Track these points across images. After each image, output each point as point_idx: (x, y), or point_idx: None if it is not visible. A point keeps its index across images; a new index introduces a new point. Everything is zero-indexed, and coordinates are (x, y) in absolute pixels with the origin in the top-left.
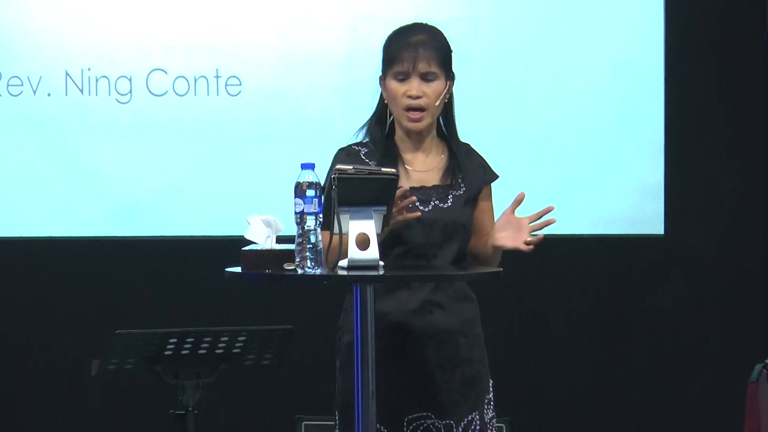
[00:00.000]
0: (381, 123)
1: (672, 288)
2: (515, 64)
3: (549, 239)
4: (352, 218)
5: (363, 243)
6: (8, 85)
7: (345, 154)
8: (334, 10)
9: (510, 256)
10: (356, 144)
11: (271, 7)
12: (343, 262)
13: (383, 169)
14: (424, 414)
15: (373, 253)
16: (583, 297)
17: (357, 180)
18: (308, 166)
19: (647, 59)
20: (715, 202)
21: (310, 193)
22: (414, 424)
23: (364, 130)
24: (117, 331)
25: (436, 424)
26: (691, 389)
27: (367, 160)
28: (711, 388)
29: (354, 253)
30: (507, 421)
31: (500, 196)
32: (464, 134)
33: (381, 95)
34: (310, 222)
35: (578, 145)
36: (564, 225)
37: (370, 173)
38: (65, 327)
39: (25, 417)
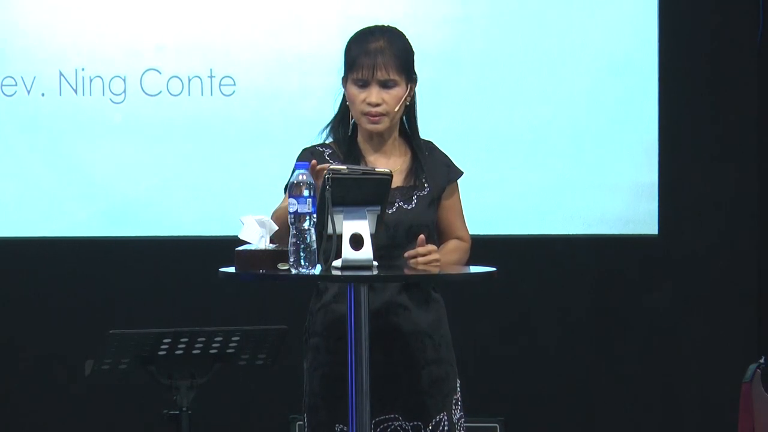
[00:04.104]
0: (344, 124)
1: (666, 288)
2: (509, 63)
3: (543, 239)
4: (345, 218)
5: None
6: (2, 85)
7: (309, 153)
8: (326, 9)
9: (503, 255)
10: (320, 145)
11: (265, 7)
12: (337, 262)
13: (377, 169)
14: (392, 416)
15: (366, 253)
16: (577, 297)
17: (350, 180)
18: (302, 166)
19: (641, 59)
20: (708, 202)
21: (305, 193)
22: (382, 426)
23: (327, 131)
24: (111, 331)
25: (404, 425)
26: (685, 389)
27: (330, 161)
28: (705, 388)
29: (348, 253)
30: (500, 422)
31: (494, 195)
32: (457, 134)
33: (343, 96)
34: (305, 222)
35: (572, 144)
36: (558, 225)
37: (363, 173)
38: (58, 327)
39: (19, 417)
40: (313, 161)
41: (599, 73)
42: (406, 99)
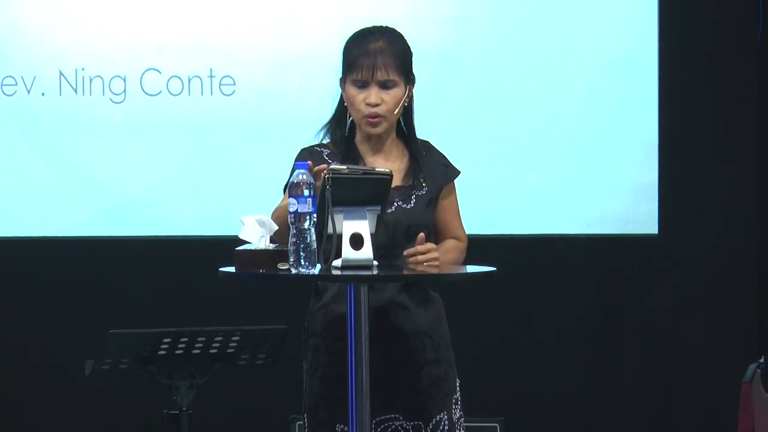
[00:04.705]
0: (341, 124)
1: (666, 288)
2: (509, 63)
3: (543, 239)
4: (346, 218)
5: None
6: (2, 85)
7: (308, 153)
8: (326, 9)
9: (503, 255)
10: (318, 145)
11: (265, 7)
12: (337, 262)
13: (377, 169)
14: (392, 416)
15: (366, 252)
16: (577, 297)
17: (350, 180)
18: (302, 166)
19: (641, 59)
20: (708, 202)
21: (305, 193)
22: (382, 426)
23: (324, 131)
24: (111, 331)
25: (405, 425)
26: (685, 389)
27: (329, 161)
28: (705, 388)
29: (348, 253)
30: (500, 422)
31: (494, 195)
32: (457, 134)
33: (341, 96)
34: (305, 222)
35: (572, 144)
36: (558, 225)
37: (363, 173)
38: (58, 327)
39: (19, 416)
40: (309, 162)
41: (599, 73)
42: (404, 101)
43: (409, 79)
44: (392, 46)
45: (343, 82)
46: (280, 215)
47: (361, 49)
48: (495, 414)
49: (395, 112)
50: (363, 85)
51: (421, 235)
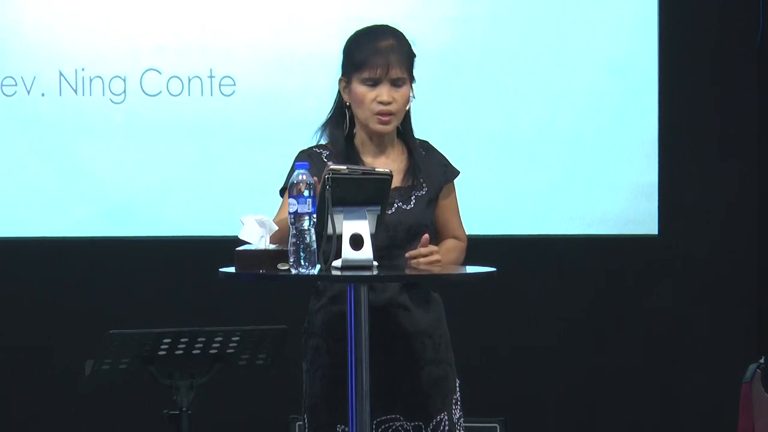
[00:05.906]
0: (340, 124)
1: (666, 288)
2: (509, 64)
3: (543, 239)
4: (345, 218)
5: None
6: (2, 86)
7: (306, 155)
8: (326, 10)
9: (503, 255)
10: (317, 146)
11: (265, 7)
12: (337, 262)
13: (377, 169)
14: (393, 416)
15: (366, 253)
16: (577, 297)
17: (351, 180)
18: (302, 166)
19: (641, 59)
20: (708, 202)
21: (305, 193)
22: (383, 427)
23: (321, 132)
24: (111, 331)
25: (405, 425)
26: (685, 389)
27: (329, 163)
28: (705, 387)
29: (348, 253)
30: (501, 422)
31: (494, 195)
32: (457, 134)
33: (339, 96)
34: (305, 222)
35: (572, 145)
36: (558, 225)
37: (363, 173)
38: (58, 327)
39: (19, 416)
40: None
41: (599, 73)
42: (409, 99)
43: (412, 78)
44: (402, 44)
45: (344, 81)
46: (281, 228)
47: (371, 47)
48: (495, 414)
49: (405, 109)
50: (374, 83)
51: (426, 236)
